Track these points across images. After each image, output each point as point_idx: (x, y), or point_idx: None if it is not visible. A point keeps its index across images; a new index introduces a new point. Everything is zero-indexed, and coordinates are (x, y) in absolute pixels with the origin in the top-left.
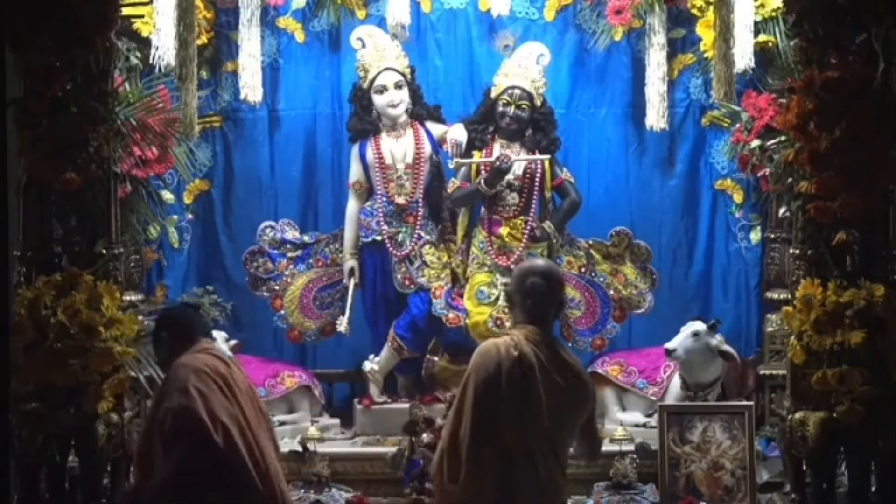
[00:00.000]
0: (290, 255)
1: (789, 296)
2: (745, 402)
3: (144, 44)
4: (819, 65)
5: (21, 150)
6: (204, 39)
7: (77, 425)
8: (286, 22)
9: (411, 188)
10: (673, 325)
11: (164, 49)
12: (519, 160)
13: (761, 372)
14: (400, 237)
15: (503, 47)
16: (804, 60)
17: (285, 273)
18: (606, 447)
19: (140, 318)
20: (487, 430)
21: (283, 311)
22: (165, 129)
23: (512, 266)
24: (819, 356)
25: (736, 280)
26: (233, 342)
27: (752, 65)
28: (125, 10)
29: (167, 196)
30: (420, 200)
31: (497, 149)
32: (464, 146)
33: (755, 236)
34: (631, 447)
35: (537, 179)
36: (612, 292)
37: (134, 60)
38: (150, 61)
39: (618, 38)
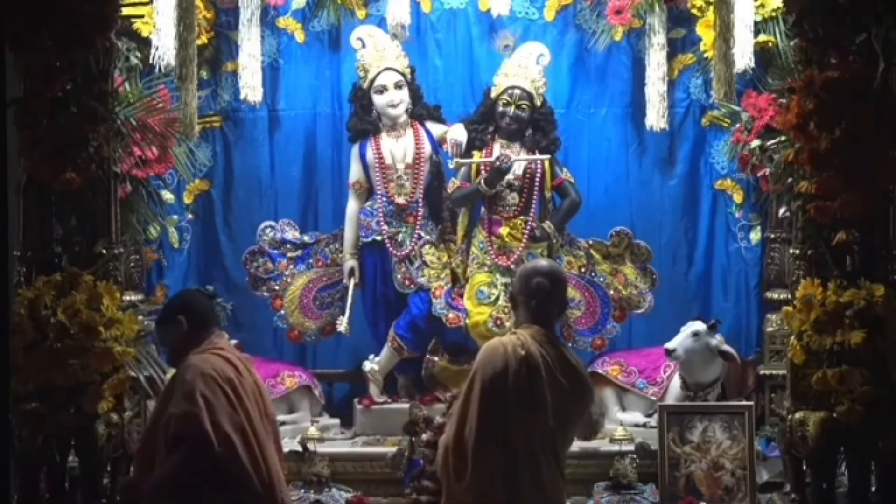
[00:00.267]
0: (290, 255)
1: (789, 296)
2: (745, 402)
3: (144, 44)
4: (819, 65)
5: (21, 150)
6: (204, 39)
7: (77, 425)
8: (286, 22)
9: (411, 188)
10: (673, 325)
11: (164, 49)
12: (519, 160)
13: (761, 372)
14: (400, 237)
15: (503, 47)
16: (804, 60)
17: (285, 273)
18: (606, 447)
19: (140, 318)
20: (494, 428)
21: (283, 311)
22: (165, 129)
23: (512, 266)
24: (819, 356)
25: (736, 280)
26: (233, 342)
27: (752, 65)
28: (125, 10)
29: (167, 196)
30: (420, 200)
31: (497, 149)
32: (464, 146)
33: (755, 236)
34: (631, 447)
35: (537, 179)
36: (612, 292)
37: (134, 60)
38: (150, 61)
39: (618, 38)
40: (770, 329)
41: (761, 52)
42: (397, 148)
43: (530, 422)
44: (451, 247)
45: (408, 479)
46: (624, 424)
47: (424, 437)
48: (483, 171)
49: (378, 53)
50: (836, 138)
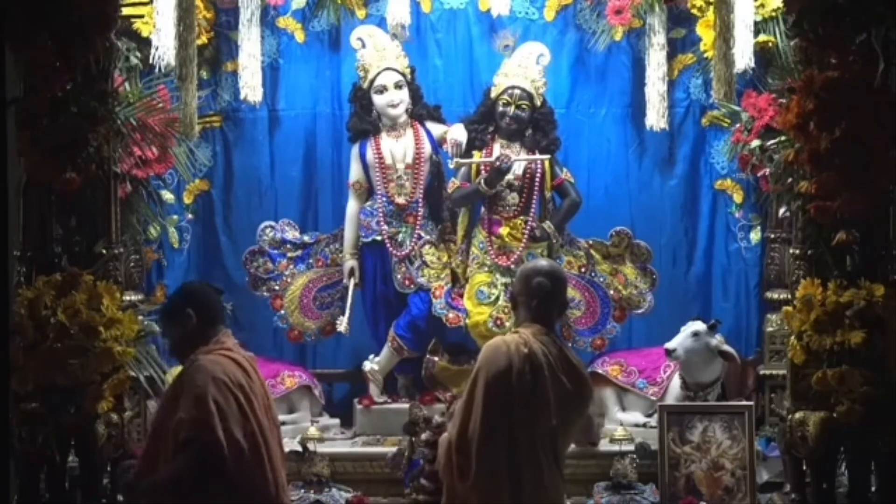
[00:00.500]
0: (290, 255)
1: (789, 296)
2: (745, 402)
3: (144, 44)
4: (819, 65)
5: (21, 150)
6: (204, 39)
7: (77, 425)
8: (286, 22)
9: (411, 188)
10: (673, 325)
11: (164, 49)
12: (519, 160)
13: (761, 372)
14: (400, 237)
15: (503, 47)
16: (804, 60)
17: (285, 273)
18: (606, 447)
19: (140, 318)
20: (498, 426)
21: (283, 311)
22: (165, 129)
23: (512, 266)
24: (819, 356)
25: (736, 280)
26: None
27: (752, 65)
28: (125, 10)
29: (167, 196)
30: (420, 200)
31: (497, 149)
32: (464, 146)
33: (755, 236)
34: (631, 447)
35: (537, 179)
36: (612, 292)
37: (134, 60)
38: (150, 61)
39: (618, 38)
40: (770, 329)
41: (761, 52)
42: (397, 148)
43: (533, 420)
44: (451, 247)
45: (408, 479)
46: (624, 424)
47: (424, 437)
48: (483, 171)
49: (378, 53)
50: (836, 138)
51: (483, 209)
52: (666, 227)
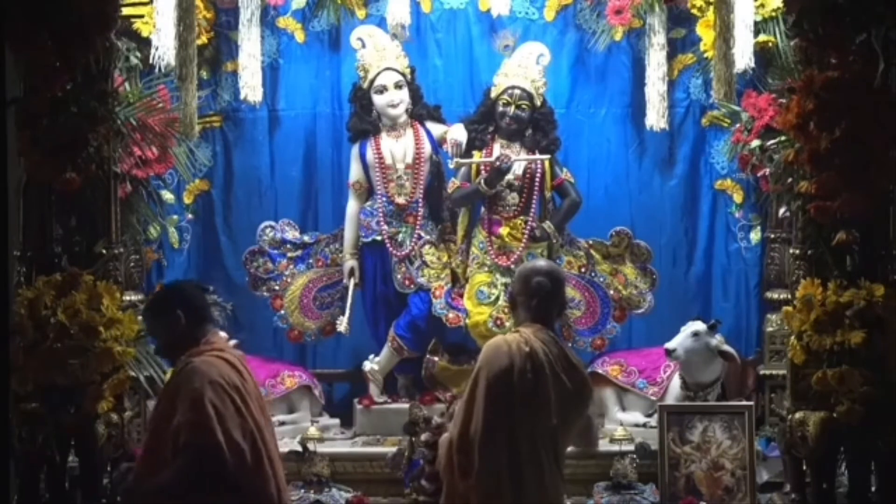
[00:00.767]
0: (290, 255)
1: (789, 296)
2: (745, 402)
3: (144, 44)
4: (819, 65)
5: (21, 150)
6: (204, 39)
7: (77, 425)
8: (286, 22)
9: (411, 188)
10: (673, 325)
11: (164, 49)
12: (519, 160)
13: (761, 372)
14: (400, 237)
15: (503, 47)
16: (804, 60)
17: (285, 273)
18: (606, 447)
19: (140, 318)
20: (500, 425)
21: (283, 311)
22: (165, 129)
23: (512, 266)
24: (819, 356)
25: (736, 280)
26: (232, 342)
27: (752, 65)
28: (125, 10)
29: (167, 196)
30: (420, 200)
31: (497, 149)
32: (464, 146)
33: (755, 236)
34: (631, 447)
35: (537, 179)
36: (612, 292)
37: (134, 60)
38: (150, 61)
39: (618, 38)
40: (770, 329)
41: (761, 52)
42: (397, 148)
43: (534, 419)
44: (451, 247)
45: (408, 479)
46: (624, 424)
47: (424, 437)
48: (483, 171)
49: (378, 53)
50: (836, 138)
51: (483, 209)
52: (666, 227)
